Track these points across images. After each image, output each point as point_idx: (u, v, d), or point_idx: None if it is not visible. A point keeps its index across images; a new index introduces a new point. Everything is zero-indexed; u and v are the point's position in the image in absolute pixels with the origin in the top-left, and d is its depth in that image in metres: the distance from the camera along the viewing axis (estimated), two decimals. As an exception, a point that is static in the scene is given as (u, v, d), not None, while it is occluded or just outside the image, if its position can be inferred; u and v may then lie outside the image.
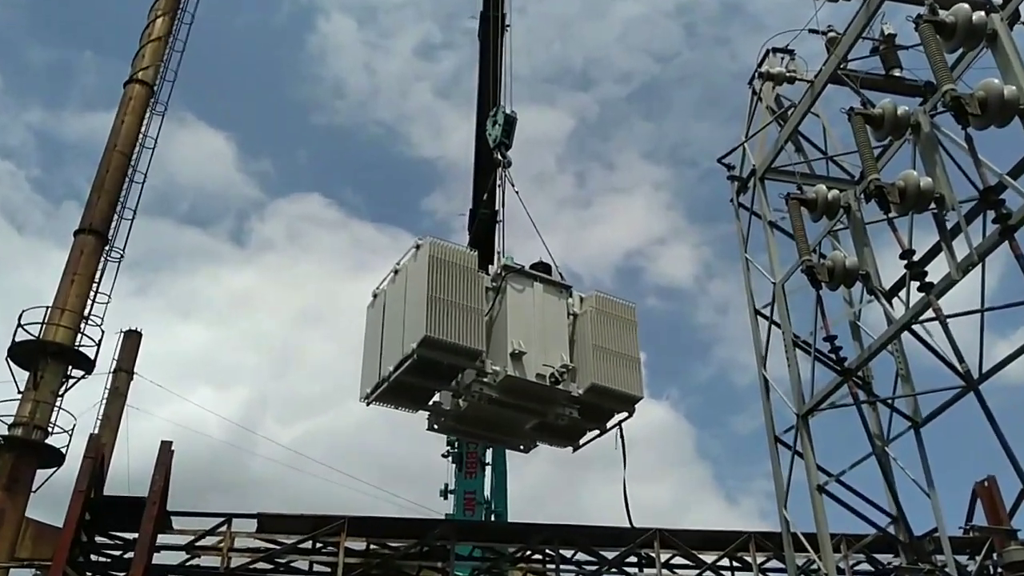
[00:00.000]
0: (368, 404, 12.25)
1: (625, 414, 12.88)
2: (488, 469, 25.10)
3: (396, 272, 12.44)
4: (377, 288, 12.89)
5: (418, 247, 11.94)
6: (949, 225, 9.07)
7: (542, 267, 13.06)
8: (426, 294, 11.27)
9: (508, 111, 16.08)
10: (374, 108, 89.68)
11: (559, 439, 13.44)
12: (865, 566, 16.99)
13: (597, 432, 13.17)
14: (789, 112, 12.33)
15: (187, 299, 79.07)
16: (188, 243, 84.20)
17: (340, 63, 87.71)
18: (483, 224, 17.83)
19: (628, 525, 13.46)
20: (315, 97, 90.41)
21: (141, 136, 24.95)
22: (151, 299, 74.73)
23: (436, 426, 12.80)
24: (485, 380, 11.73)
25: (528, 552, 17.33)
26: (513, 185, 15.24)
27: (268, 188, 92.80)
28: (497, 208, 16.55)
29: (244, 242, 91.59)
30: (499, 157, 15.60)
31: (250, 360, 73.72)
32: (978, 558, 15.38)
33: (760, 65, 12.80)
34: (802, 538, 10.57)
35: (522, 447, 13.92)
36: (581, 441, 13.46)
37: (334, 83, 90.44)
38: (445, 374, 11.69)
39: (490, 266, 12.88)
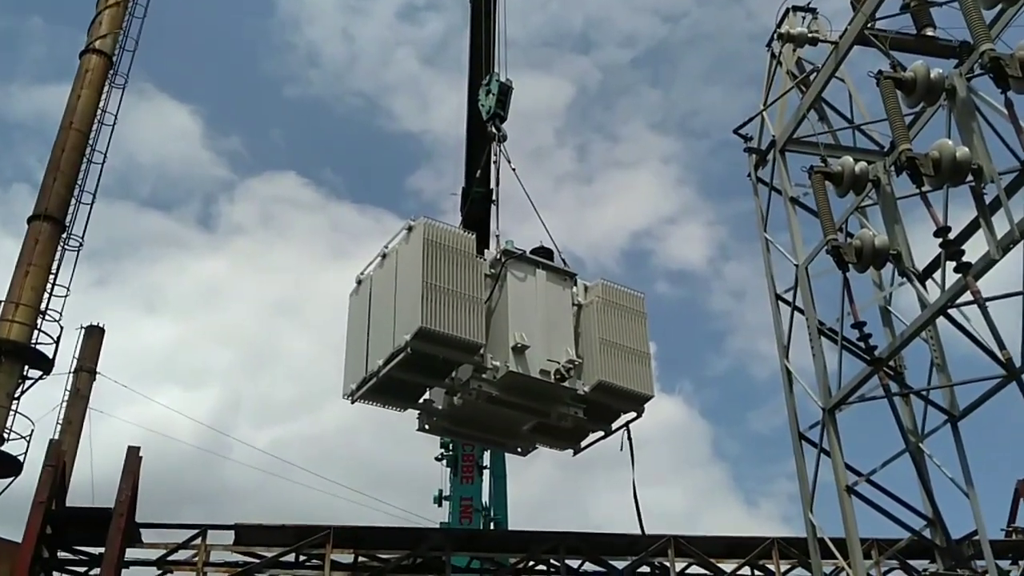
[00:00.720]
0: (353, 402, 12.24)
1: (633, 414, 12.90)
2: (486, 473, 25.17)
3: (384, 256, 12.38)
4: (362, 274, 12.84)
5: (410, 228, 11.87)
6: (988, 199, 9.05)
7: (543, 252, 13.03)
8: (421, 281, 11.18)
9: (502, 79, 16.02)
10: (353, 78, 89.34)
11: (560, 441, 13.45)
12: (899, 573, 17.05)
13: (602, 434, 13.20)
14: (811, 77, 12.28)
15: (151, 290, 78.85)
16: (151, 229, 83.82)
17: (315, 30, 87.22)
18: (476, 204, 17.79)
19: (639, 532, 13.52)
20: (288, 67, 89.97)
21: (100, 112, 24.92)
22: (112, 291, 74.63)
23: (427, 426, 12.80)
24: (484, 376, 11.72)
25: (531, 563, 17.38)
26: (509, 161, 15.22)
27: (238, 167, 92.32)
28: (492, 187, 16.53)
29: (212, 227, 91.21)
30: (493, 130, 15.55)
31: (222, 357, 73.57)
32: (1021, 563, 15.45)
33: (779, 25, 12.74)
34: (829, 543, 10.60)
35: (520, 450, 13.95)
36: (583, 443, 13.48)
37: (308, 51, 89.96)
38: (440, 369, 11.66)
39: (486, 250, 12.85)
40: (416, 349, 11.05)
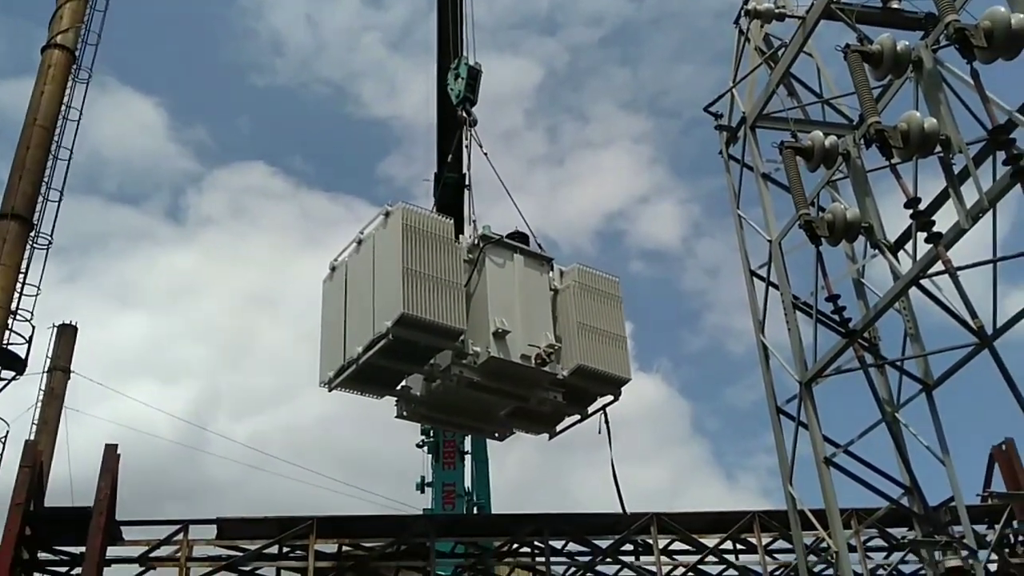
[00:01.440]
0: (331, 390, 12.18)
1: (610, 397, 12.98)
2: (468, 458, 25.19)
3: (360, 242, 12.30)
4: (336, 260, 12.75)
5: (387, 214, 11.80)
6: (956, 169, 9.13)
7: (519, 237, 13.05)
8: (400, 266, 11.10)
9: (471, 63, 15.96)
10: (319, 65, 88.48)
11: (536, 425, 13.50)
12: (878, 541, 17.31)
13: (578, 417, 13.25)
14: (780, 53, 12.32)
15: (123, 285, 78.32)
16: (119, 223, 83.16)
17: (278, 16, 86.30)
18: (449, 190, 17.75)
19: (621, 511, 13.61)
20: (252, 55, 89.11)
21: (64, 108, 24.57)
22: (82, 287, 74.02)
23: (406, 413, 12.79)
24: (464, 362, 11.70)
25: (515, 545, 17.47)
26: (481, 146, 15.21)
27: (205, 158, 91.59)
28: (464, 171, 16.50)
29: (182, 219, 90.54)
30: (463, 114, 15.50)
31: (197, 351, 73.27)
32: (997, 527, 15.70)
33: (746, 2, 12.76)
34: (810, 515, 10.72)
35: (497, 435, 14.00)
36: (559, 427, 13.53)
37: (272, 39, 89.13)
38: (420, 356, 11.63)
39: (461, 236, 12.84)
40: (398, 335, 11.00)
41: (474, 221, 14.03)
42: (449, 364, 11.73)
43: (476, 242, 12.45)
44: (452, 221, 12.17)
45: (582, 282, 13.05)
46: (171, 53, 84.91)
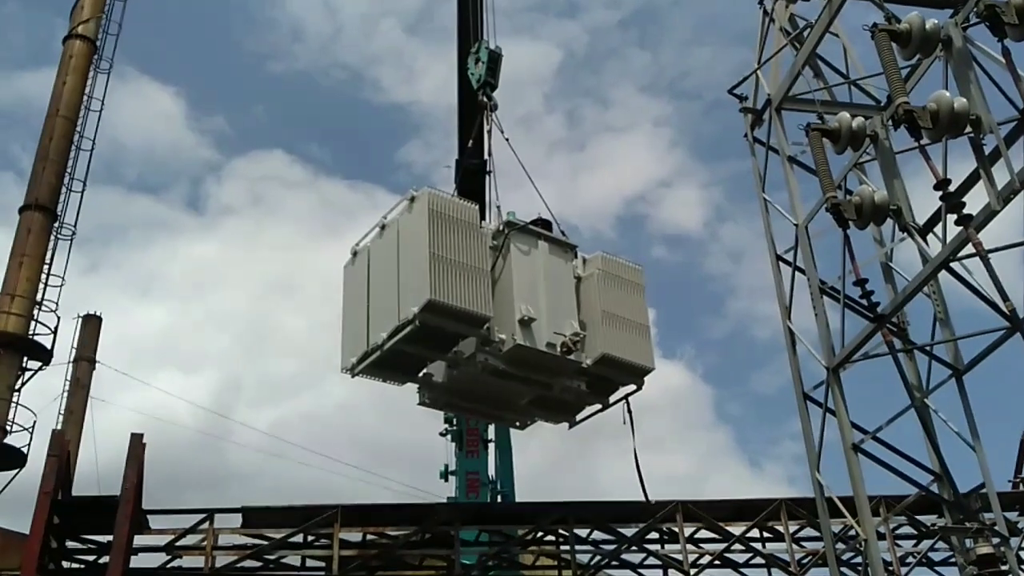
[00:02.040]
0: (353, 376, 12.11)
1: (633, 387, 12.92)
2: (491, 447, 25.24)
3: (383, 227, 12.19)
4: (358, 244, 12.65)
5: (412, 199, 11.69)
6: (987, 150, 9.01)
7: (542, 223, 13.00)
8: (428, 252, 10.99)
9: (492, 46, 15.88)
10: (337, 51, 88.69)
11: (556, 414, 13.46)
12: (907, 529, 17.16)
13: (599, 407, 13.19)
14: (805, 33, 12.17)
15: (143, 275, 79.03)
16: (140, 213, 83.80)
17: (296, 3, 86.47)
18: (470, 176, 17.71)
19: (644, 499, 13.57)
20: (270, 43, 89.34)
21: (86, 98, 24.75)
22: (104, 277, 74.73)
23: (428, 400, 12.75)
24: (489, 349, 11.64)
25: (540, 534, 17.48)
26: (503, 131, 15.15)
27: (224, 147, 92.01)
28: (485, 157, 16.45)
29: (202, 209, 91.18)
30: (484, 99, 15.43)
31: (218, 339, 73.94)
32: (1030, 514, 15.53)
33: (771, -18, 12.62)
34: (838, 502, 10.63)
35: (518, 424, 13.97)
36: (578, 417, 13.48)
37: (291, 26, 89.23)
38: (445, 342, 11.55)
39: (483, 222, 12.79)
40: (424, 322, 10.90)
41: (497, 207, 13.98)
42: (473, 351, 11.68)
43: (501, 228, 12.37)
44: (477, 207, 12.09)
45: (606, 270, 13.00)
46: (189, 42, 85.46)
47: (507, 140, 14.92)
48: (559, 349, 11.84)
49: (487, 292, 11.39)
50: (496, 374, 11.85)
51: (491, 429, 24.72)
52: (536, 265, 12.33)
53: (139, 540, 16.04)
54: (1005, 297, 9.51)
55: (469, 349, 11.77)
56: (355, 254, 12.67)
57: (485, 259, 11.66)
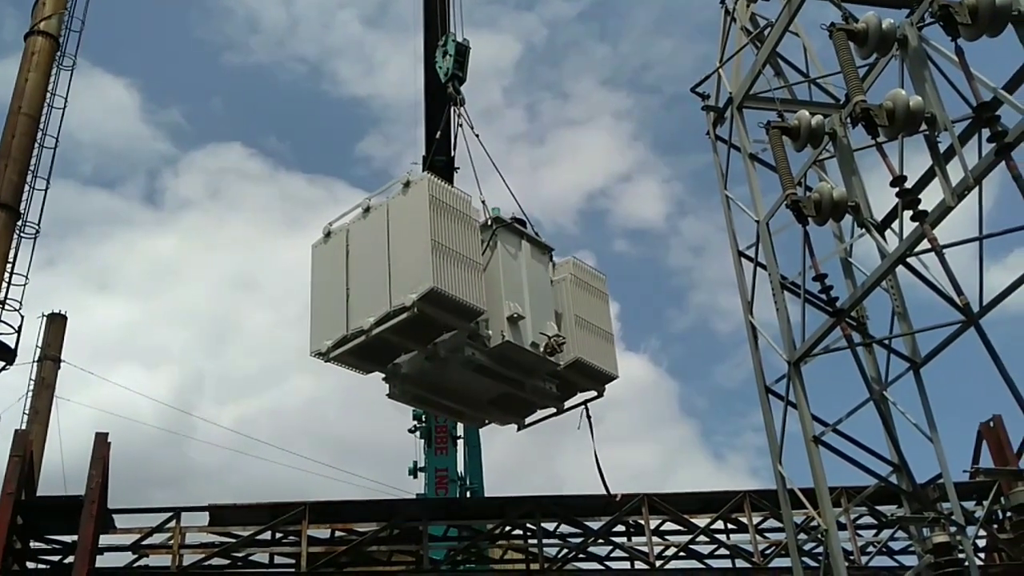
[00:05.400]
0: (327, 360, 11.66)
1: (594, 393, 12.95)
2: (460, 443, 25.23)
3: (368, 209, 11.76)
4: (332, 224, 12.19)
5: (408, 183, 11.34)
6: (942, 148, 9.14)
7: (518, 222, 12.94)
8: (429, 238, 10.59)
9: (459, 39, 15.78)
10: (294, 43, 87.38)
11: (510, 415, 13.34)
12: (868, 519, 17.39)
13: (553, 411, 13.15)
14: (766, 32, 12.27)
15: (101, 270, 77.76)
16: (96, 207, 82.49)
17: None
18: (438, 171, 17.65)
19: (612, 493, 13.61)
20: (226, 34, 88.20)
21: (49, 95, 24.39)
22: (61, 272, 73.29)
23: (397, 393, 12.47)
24: (475, 344, 11.45)
25: (507, 528, 17.51)
26: (472, 127, 15.00)
27: (180, 140, 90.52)
28: (452, 153, 16.39)
29: (159, 203, 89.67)
30: (452, 92, 15.29)
31: (179, 335, 72.92)
32: (985, 503, 15.78)
33: (732, -19, 12.71)
34: (799, 494, 10.75)
35: (475, 422, 13.88)
36: (528, 420, 13.42)
37: (246, 17, 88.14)
38: (431, 333, 11.23)
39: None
40: (423, 311, 10.56)
41: (482, 202, 13.83)
42: (450, 345, 11.41)
43: (488, 223, 12.19)
44: (471, 198, 11.84)
45: (577, 275, 13.03)
46: (141, 32, 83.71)
47: (477, 137, 14.83)
48: (543, 349, 11.75)
49: (481, 285, 11.11)
50: (476, 370, 11.65)
51: (459, 426, 24.75)
52: (520, 263, 12.21)
53: (105, 540, 15.87)
54: (960, 291, 9.64)
55: (445, 343, 11.49)
56: (328, 234, 12.20)
57: (478, 252, 11.40)
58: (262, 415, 63.35)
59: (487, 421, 13.73)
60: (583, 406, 13.05)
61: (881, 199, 10.67)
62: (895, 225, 9.88)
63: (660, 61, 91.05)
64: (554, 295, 12.77)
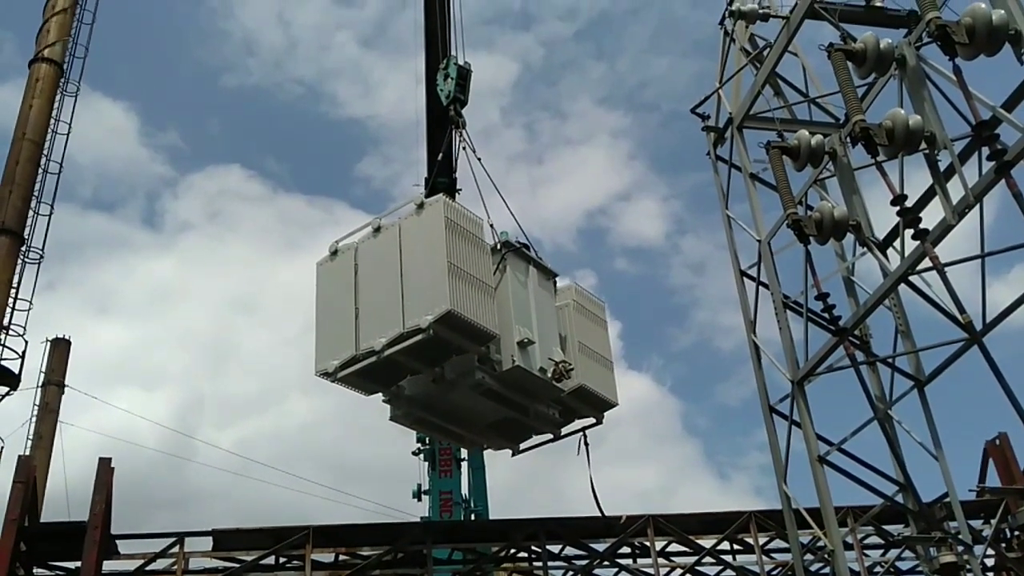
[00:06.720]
0: (333, 380, 11.46)
1: (592, 420, 12.90)
2: (464, 466, 25.11)
3: (378, 228, 11.67)
4: (340, 243, 12.08)
5: (422, 204, 11.26)
6: (942, 166, 9.18)
7: (522, 247, 12.91)
8: (445, 260, 10.51)
9: (460, 62, 15.82)
10: (292, 65, 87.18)
11: (503, 441, 13.25)
12: (874, 538, 17.28)
13: (549, 437, 13.09)
14: (765, 53, 12.34)
15: (101, 293, 77.64)
16: (96, 231, 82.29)
17: (249, 15, 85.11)
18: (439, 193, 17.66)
19: (618, 515, 13.52)
20: (223, 56, 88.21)
21: (53, 121, 24.55)
22: (61, 295, 73.12)
23: (399, 416, 12.39)
24: (485, 368, 11.32)
25: (512, 550, 17.42)
26: (474, 149, 14.97)
27: (179, 163, 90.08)
28: (454, 175, 16.40)
29: (158, 225, 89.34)
30: (454, 115, 15.30)
31: (179, 358, 72.58)
32: (993, 522, 15.70)
33: (731, 3, 12.80)
34: (805, 514, 10.71)
35: (476, 445, 13.79)
36: (523, 445, 13.35)
37: (244, 39, 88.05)
38: (441, 356, 11.13)
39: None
40: (438, 333, 10.45)
41: (491, 226, 13.81)
42: (457, 368, 11.34)
43: (498, 247, 12.19)
44: (483, 221, 11.77)
45: (578, 302, 13.02)
46: (140, 56, 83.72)
47: (479, 159, 14.79)
48: (551, 374, 11.71)
49: (494, 309, 11.03)
50: (484, 393, 11.60)
51: (463, 449, 24.64)
52: (528, 288, 12.16)
53: (108, 565, 15.79)
54: (962, 309, 9.66)
55: (453, 367, 11.43)
56: (335, 252, 12.05)
57: (491, 275, 11.34)
58: (262, 437, 63.14)
59: (485, 445, 13.65)
60: (581, 432, 12.99)
61: (882, 217, 10.70)
62: (897, 243, 9.92)
63: (657, 79, 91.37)
64: (558, 321, 12.75)
